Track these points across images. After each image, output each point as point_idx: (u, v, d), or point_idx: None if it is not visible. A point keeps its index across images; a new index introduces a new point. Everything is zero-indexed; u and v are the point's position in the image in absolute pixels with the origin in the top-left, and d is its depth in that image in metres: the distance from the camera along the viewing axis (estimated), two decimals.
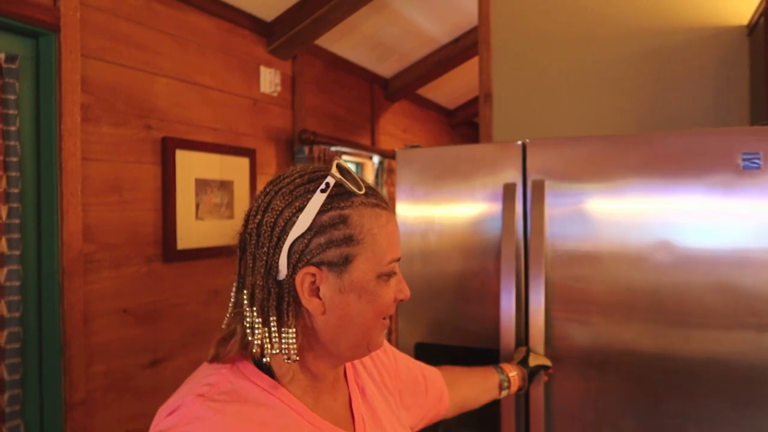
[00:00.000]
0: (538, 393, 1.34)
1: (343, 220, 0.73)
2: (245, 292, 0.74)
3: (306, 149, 2.92)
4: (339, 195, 0.74)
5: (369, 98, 3.76)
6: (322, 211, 0.73)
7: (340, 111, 3.46)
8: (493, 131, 2.37)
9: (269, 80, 2.89)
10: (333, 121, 3.38)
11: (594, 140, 1.37)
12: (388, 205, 0.79)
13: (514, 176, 1.44)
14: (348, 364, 0.88)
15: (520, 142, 1.44)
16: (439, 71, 3.92)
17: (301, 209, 0.72)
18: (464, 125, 5.33)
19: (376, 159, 3.74)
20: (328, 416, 0.79)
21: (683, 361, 1.29)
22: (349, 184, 0.74)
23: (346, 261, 0.73)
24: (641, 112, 2.14)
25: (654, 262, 1.31)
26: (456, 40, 3.73)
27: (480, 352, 1.44)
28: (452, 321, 1.50)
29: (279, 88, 2.94)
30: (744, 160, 1.23)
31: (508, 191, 1.42)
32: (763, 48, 1.73)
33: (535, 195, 1.40)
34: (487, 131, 2.37)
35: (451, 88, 4.40)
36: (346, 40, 3.29)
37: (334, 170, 0.74)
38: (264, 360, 0.73)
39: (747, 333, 1.24)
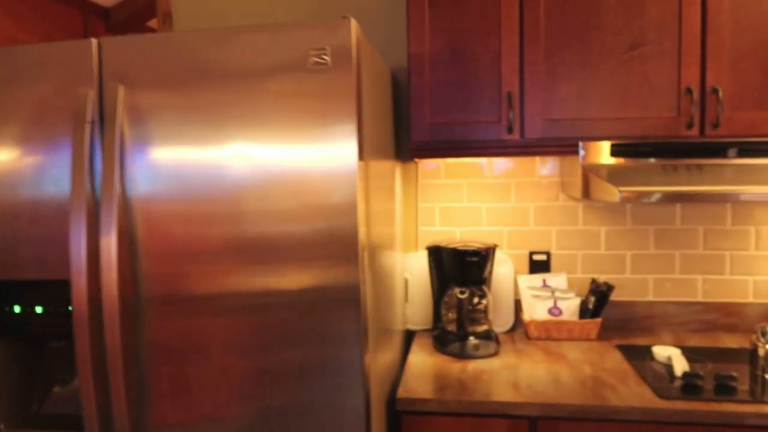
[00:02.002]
0: (113, 335, 1.17)
1: None
2: None
3: None
4: None
5: (82, 29, 3.29)
6: None
7: (38, 42, 2.97)
8: None
9: None
10: None
11: (174, 37, 1.20)
12: None
13: (88, 83, 1.23)
14: None
15: (94, 40, 1.23)
16: None
17: None
18: None
19: None
20: None
21: (267, 290, 1.20)
22: None
23: None
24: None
25: (233, 181, 1.19)
26: None
27: (47, 284, 1.23)
28: (19, 252, 1.26)
29: None
30: (312, 55, 1.14)
31: (80, 103, 1.21)
32: None
33: (108, 106, 1.20)
34: None
35: None
36: None
37: None
38: None
39: (320, 263, 1.18)
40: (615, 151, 1.64)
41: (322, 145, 1.16)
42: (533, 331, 1.89)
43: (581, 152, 1.65)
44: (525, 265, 2.02)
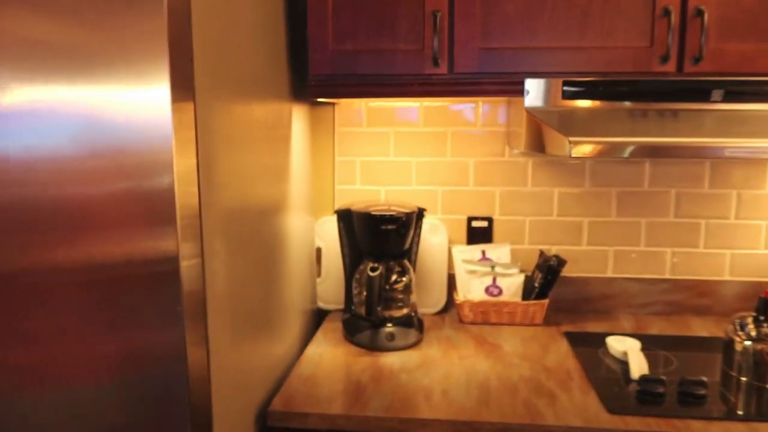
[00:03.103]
0: None
1: None
2: None
3: None
4: None
5: None
6: None
7: None
8: None
9: None
10: None
11: None
12: None
13: None
14: None
15: None
16: None
17: None
18: None
19: None
20: None
21: (52, 267, 0.82)
22: None
23: None
24: None
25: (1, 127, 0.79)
26: None
27: None
28: None
29: None
30: None
31: None
32: None
33: None
34: None
35: None
36: None
37: None
38: None
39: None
40: (568, 92, 1.27)
41: (125, 82, 0.77)
42: (467, 314, 1.55)
43: (527, 92, 1.28)
44: (462, 233, 1.67)
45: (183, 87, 0.81)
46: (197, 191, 0.86)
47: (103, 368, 0.85)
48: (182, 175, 0.81)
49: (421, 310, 1.64)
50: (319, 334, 1.49)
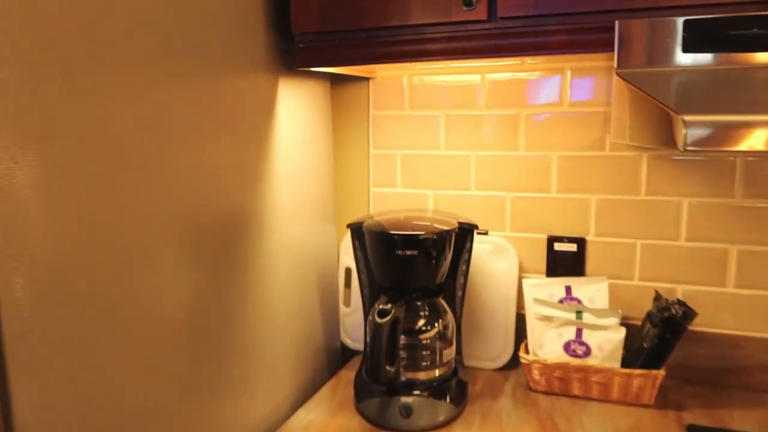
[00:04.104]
0: None
1: None
2: None
3: None
4: None
5: None
6: None
7: None
8: None
9: None
10: None
11: None
12: None
13: None
14: None
15: None
16: None
17: None
18: None
19: None
20: None
21: None
22: None
23: None
24: None
25: None
26: None
27: None
28: None
29: None
30: None
31: None
32: None
33: None
34: None
35: None
36: None
37: None
38: None
39: None
40: (692, 40, 0.75)
41: None
42: (537, 379, 1.07)
43: (620, 44, 0.78)
44: (540, 259, 1.18)
45: None
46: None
47: None
48: None
49: (476, 364, 1.18)
50: (325, 390, 1.11)
